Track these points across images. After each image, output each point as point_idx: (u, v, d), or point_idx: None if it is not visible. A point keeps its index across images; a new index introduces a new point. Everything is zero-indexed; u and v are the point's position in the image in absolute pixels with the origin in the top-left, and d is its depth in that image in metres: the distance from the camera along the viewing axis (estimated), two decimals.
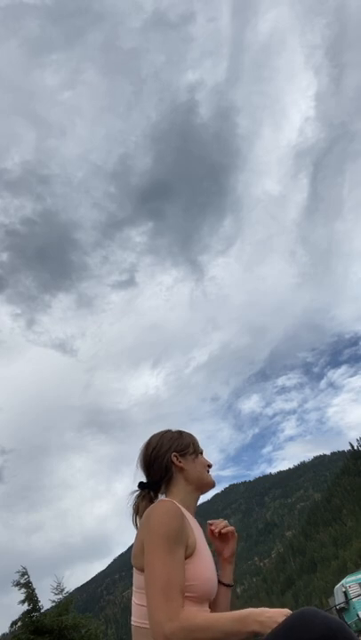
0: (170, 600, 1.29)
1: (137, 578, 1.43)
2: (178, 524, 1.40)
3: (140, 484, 1.64)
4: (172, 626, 1.25)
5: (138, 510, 1.58)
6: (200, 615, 1.31)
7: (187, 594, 1.37)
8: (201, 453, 1.71)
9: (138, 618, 1.41)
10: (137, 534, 1.45)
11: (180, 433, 1.73)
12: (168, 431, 1.73)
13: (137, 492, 1.63)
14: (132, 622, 1.43)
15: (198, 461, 1.67)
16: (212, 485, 1.68)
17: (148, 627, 1.33)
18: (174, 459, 1.63)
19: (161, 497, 1.61)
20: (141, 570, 1.39)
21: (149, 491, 1.62)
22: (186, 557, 1.39)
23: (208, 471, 1.69)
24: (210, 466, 1.71)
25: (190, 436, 1.73)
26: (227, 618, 1.28)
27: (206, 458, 1.73)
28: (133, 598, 1.45)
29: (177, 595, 1.30)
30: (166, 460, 1.63)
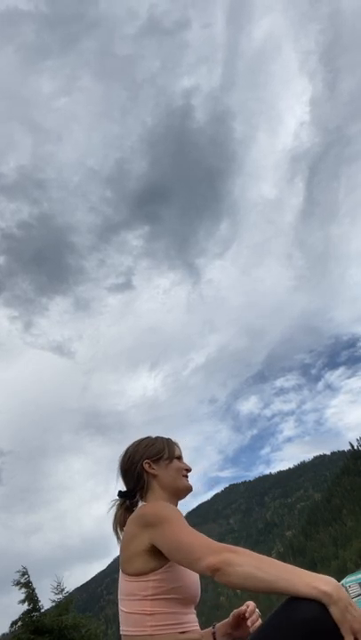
0: (210, 540, 1.28)
1: (125, 584, 1.42)
2: (177, 510, 1.45)
3: (119, 493, 1.65)
4: (228, 554, 1.21)
5: (118, 519, 1.60)
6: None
7: (173, 595, 1.39)
8: (178, 458, 1.69)
9: (128, 626, 1.39)
10: (126, 539, 1.43)
11: (156, 439, 1.72)
12: (145, 439, 1.72)
13: (116, 501, 1.65)
14: (122, 632, 1.41)
15: (172, 467, 1.64)
16: (188, 490, 1.65)
17: (140, 634, 1.36)
18: (146, 466, 1.62)
19: (140, 504, 1.59)
20: (134, 574, 1.40)
21: (125, 500, 1.64)
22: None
23: (186, 476, 1.67)
24: (188, 470, 1.68)
25: (165, 441, 1.71)
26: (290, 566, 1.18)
27: (185, 462, 1.70)
28: (121, 607, 1.43)
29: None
30: (139, 468, 1.63)
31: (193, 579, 1.47)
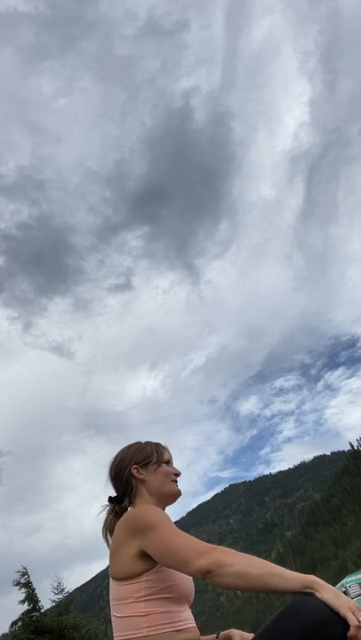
0: (199, 541, 1.30)
1: (117, 589, 1.42)
2: (165, 513, 1.45)
3: (109, 499, 1.65)
4: (217, 555, 1.24)
5: (108, 524, 1.60)
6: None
7: (167, 595, 1.39)
8: (167, 462, 1.68)
9: (122, 631, 1.39)
10: (115, 545, 1.43)
11: (145, 443, 1.71)
12: (134, 444, 1.72)
13: (106, 507, 1.65)
14: (116, 638, 1.40)
15: (160, 471, 1.64)
16: (176, 495, 1.64)
17: (135, 637, 1.35)
18: (134, 471, 1.63)
19: (129, 510, 1.59)
20: (125, 578, 1.39)
21: (115, 505, 1.63)
22: None
23: (175, 480, 1.67)
24: (177, 474, 1.68)
25: (154, 445, 1.71)
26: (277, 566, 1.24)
27: (174, 466, 1.70)
28: (114, 613, 1.42)
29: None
30: (127, 474, 1.63)
31: (185, 576, 1.47)
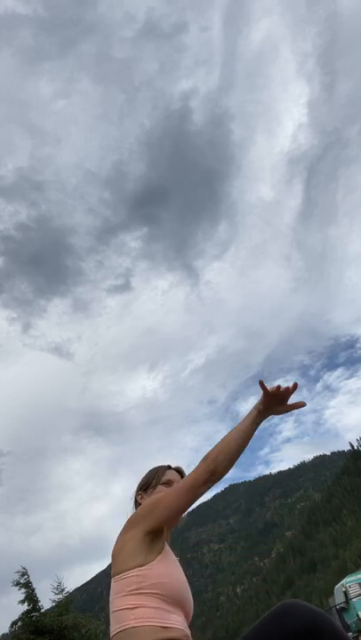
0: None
1: (114, 586, 1.47)
2: None
3: None
4: (206, 462, 1.46)
5: None
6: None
7: (156, 591, 1.42)
8: (166, 483, 1.75)
9: (115, 624, 1.42)
10: (119, 545, 1.51)
11: (153, 469, 1.83)
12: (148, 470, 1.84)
13: None
14: (112, 633, 1.43)
15: (155, 493, 1.72)
16: None
17: (124, 628, 1.38)
18: (138, 497, 1.78)
19: None
20: (122, 572, 1.46)
21: None
22: (158, 552, 1.49)
23: None
24: None
25: (157, 469, 1.81)
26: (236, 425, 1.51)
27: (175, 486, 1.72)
28: (111, 609, 1.46)
29: None
30: (135, 501, 1.79)
31: (178, 576, 1.51)
